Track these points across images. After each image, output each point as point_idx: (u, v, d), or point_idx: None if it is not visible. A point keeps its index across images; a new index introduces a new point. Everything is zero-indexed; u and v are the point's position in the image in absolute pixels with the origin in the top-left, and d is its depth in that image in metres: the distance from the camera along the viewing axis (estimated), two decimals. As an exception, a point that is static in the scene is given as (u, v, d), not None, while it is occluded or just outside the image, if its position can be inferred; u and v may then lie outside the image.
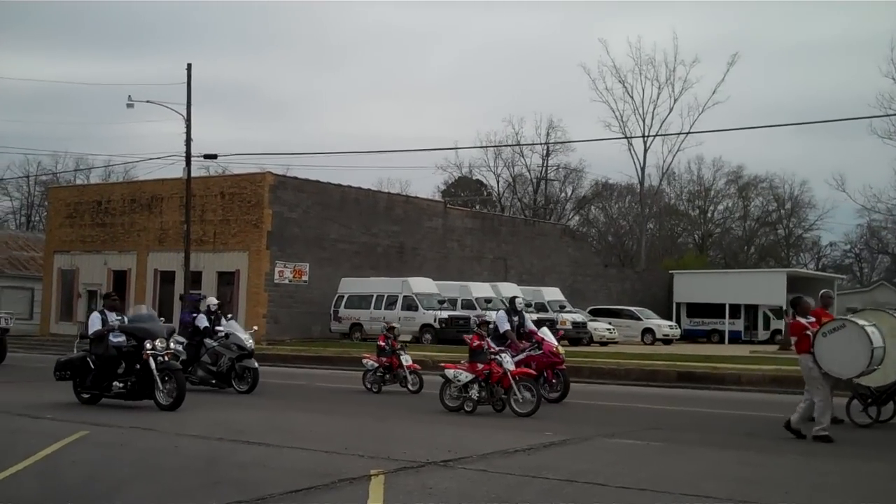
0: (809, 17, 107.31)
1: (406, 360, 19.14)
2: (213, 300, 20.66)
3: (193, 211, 37.68)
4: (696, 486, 8.98)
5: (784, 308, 50.84)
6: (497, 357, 15.00)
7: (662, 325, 47.43)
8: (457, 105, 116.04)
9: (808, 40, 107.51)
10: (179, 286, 38.20)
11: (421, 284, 39.48)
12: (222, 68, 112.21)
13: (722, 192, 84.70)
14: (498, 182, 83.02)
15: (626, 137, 65.67)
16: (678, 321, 52.21)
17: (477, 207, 65.72)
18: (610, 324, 44.41)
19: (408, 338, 36.26)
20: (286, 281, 39.65)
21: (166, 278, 41.49)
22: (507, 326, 17.70)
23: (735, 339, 50.76)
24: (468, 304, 39.46)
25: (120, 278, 43.12)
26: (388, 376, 19.38)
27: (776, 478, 9.69)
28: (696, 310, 53.77)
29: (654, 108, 67.07)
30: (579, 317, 42.06)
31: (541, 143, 76.00)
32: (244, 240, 39.68)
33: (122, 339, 15.35)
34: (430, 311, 37.60)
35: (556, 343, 17.82)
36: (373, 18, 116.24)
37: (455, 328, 36.06)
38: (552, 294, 44.19)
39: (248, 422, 13.71)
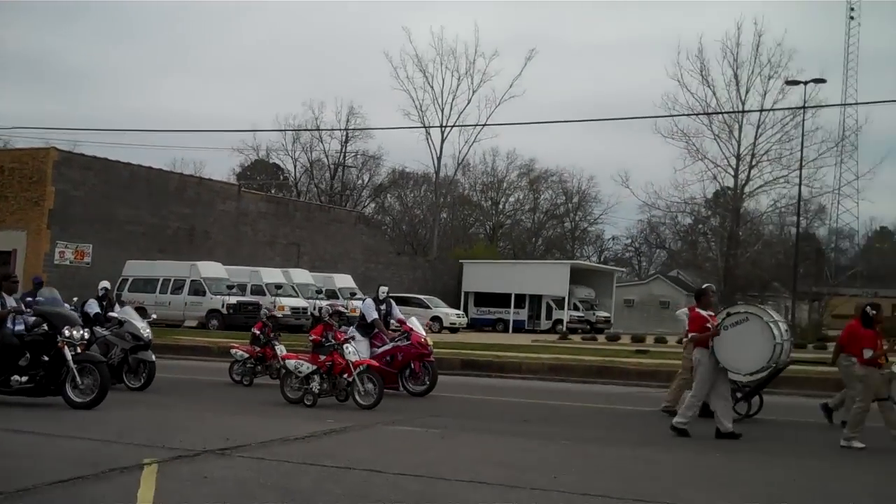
0: (604, 19, 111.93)
1: (281, 350, 17.58)
2: (105, 283, 18.92)
3: (-34, 186, 35.55)
4: (473, 471, 9.21)
5: (566, 298, 52.97)
6: (339, 347, 14.58)
7: (450, 314, 48.31)
8: (256, 86, 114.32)
9: (602, 41, 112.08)
10: (-52, 265, 35.88)
11: (210, 269, 38.66)
12: (8, 34, 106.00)
13: (514, 184, 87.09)
14: (295, 166, 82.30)
15: (424, 127, 66.45)
16: (466, 310, 53.36)
17: (272, 192, 64.95)
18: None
19: (193, 323, 35.56)
20: (67, 262, 37.98)
21: (-65, 256, 38.92)
22: (376, 315, 17.24)
23: (519, 328, 52.31)
24: (258, 290, 39.04)
25: None
26: (259, 367, 18.05)
27: (548, 463, 10.05)
28: (483, 299, 55.09)
29: (453, 99, 68.13)
30: (371, 304, 42.30)
31: (340, 129, 75.91)
32: (23, 217, 37.74)
33: (22, 326, 13.43)
34: (219, 297, 36.90)
35: (425, 334, 17.29)
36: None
37: (244, 314, 35.56)
38: (344, 281, 44.29)
39: (19, 409, 13.05)
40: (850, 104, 67.69)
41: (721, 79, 46.46)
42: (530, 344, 32.52)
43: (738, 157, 45.79)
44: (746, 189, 46.86)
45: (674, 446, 11.87)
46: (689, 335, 13.14)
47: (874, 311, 12.40)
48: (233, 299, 36.97)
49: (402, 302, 47.90)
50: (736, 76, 45.81)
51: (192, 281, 37.48)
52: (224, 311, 36.38)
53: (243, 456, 9.71)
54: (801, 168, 43.25)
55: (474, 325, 51.95)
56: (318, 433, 11.55)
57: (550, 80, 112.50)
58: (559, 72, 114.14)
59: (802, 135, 43.20)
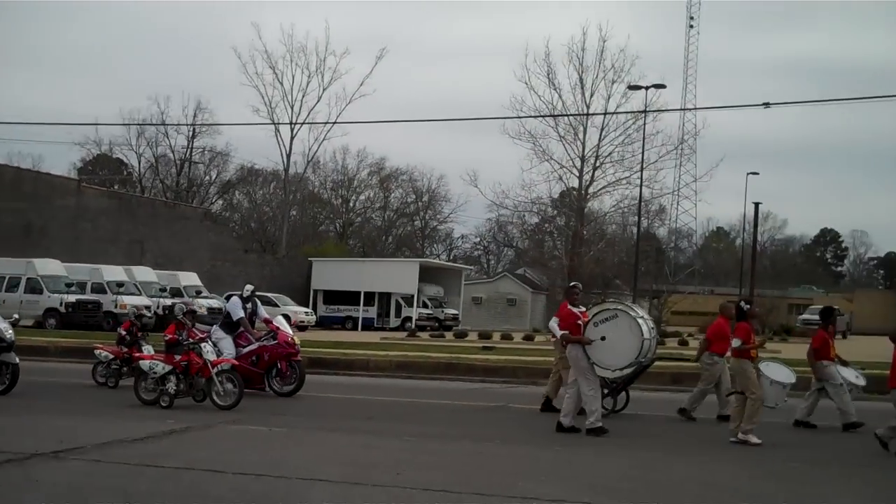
0: (456, 20, 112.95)
1: (149, 350, 16.73)
2: None
3: None
4: (316, 469, 9.21)
5: (415, 296, 53.26)
6: (196, 347, 14.13)
7: (298, 312, 47.79)
8: (99, 79, 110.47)
9: (454, 42, 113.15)
10: None
11: (47, 266, 37.26)
12: None
13: (364, 182, 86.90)
14: (140, 162, 79.91)
15: (273, 123, 65.54)
16: (315, 308, 53.02)
17: (115, 187, 62.98)
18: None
19: (30, 322, 34.16)
20: None
21: None
22: (242, 314, 16.75)
23: (368, 326, 52.26)
24: (99, 289, 37.83)
25: None
26: (125, 369, 17.06)
27: (391, 460, 10.10)
28: (332, 297, 54.80)
29: (303, 96, 67.40)
30: (215, 302, 41.51)
31: (186, 124, 74.06)
32: None
33: None
34: (57, 295, 35.60)
35: (292, 333, 16.92)
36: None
37: (83, 313, 34.40)
38: (189, 279, 43.36)
39: None
40: (690, 109, 70.55)
41: (567, 82, 47.32)
42: (379, 342, 32.56)
43: (583, 159, 46.84)
44: (591, 189, 47.97)
45: (516, 441, 12.11)
46: (561, 333, 13.22)
47: (748, 306, 13.00)
48: (72, 298, 35.75)
49: (249, 300, 47.65)
50: (581, 80, 46.81)
51: (28, 279, 36.07)
52: (62, 309, 35.16)
53: (78, 458, 9.43)
54: (642, 170, 44.67)
55: (323, 324, 51.61)
56: (159, 434, 11.30)
57: (402, 80, 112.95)
58: (410, 71, 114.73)
59: (644, 138, 44.61)
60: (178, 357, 14.32)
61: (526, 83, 46.54)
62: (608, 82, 46.49)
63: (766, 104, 21.34)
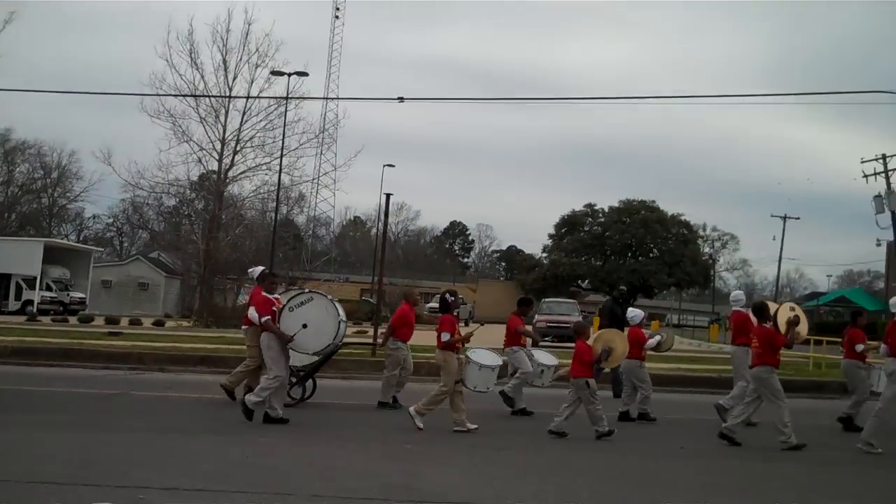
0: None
1: None
2: None
3: None
4: None
5: (38, 278, 50.03)
6: None
7: None
8: None
9: (91, 10, 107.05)
10: None
11: None
12: None
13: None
14: None
15: None
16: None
17: None
18: None
19: None
20: None
21: None
22: None
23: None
24: None
25: None
26: None
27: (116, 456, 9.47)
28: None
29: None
30: None
31: None
32: None
33: None
34: None
35: None
36: None
37: None
38: None
39: None
40: (332, 98, 71.75)
41: (210, 63, 46.52)
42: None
43: (224, 142, 46.29)
44: (231, 173, 47.53)
45: (130, 429, 11.69)
46: (264, 319, 12.72)
47: (453, 298, 13.12)
48: None
49: None
50: (225, 62, 46.23)
51: None
52: None
53: None
54: (282, 156, 44.89)
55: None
56: None
57: (33, 47, 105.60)
58: (43, 38, 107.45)
59: (284, 124, 44.88)
60: None
61: (167, 60, 45.23)
62: (252, 66, 46.31)
63: (401, 98, 22.05)
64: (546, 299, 41.16)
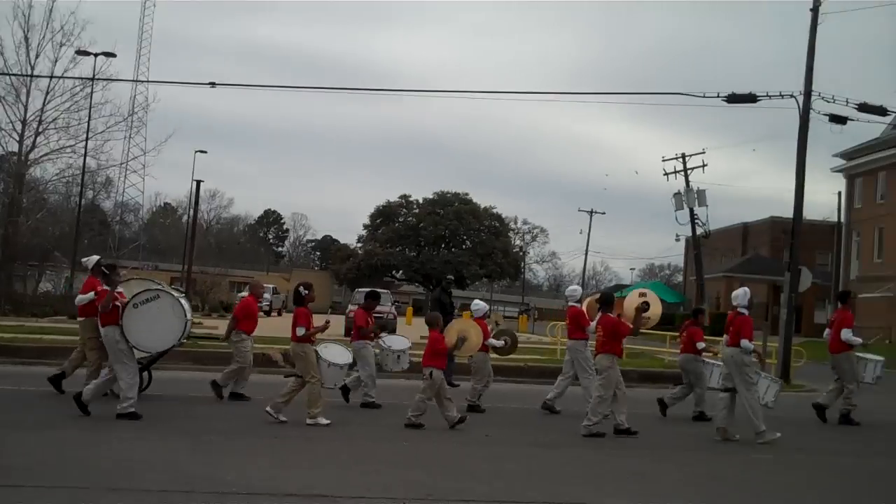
0: None
1: None
2: None
3: None
4: None
5: None
6: None
7: None
8: None
9: None
10: None
11: None
12: None
13: None
14: None
15: None
16: None
17: None
18: None
19: None
20: None
21: None
22: None
23: None
24: None
25: None
26: None
27: None
28: None
29: None
30: None
31: None
32: None
33: None
34: None
35: None
36: None
37: None
38: None
39: None
40: (141, 81, 69.54)
41: (11, 39, 44.45)
42: None
43: (25, 123, 44.19)
44: (32, 156, 45.45)
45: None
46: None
47: (307, 291, 12.86)
48: None
49: None
50: (27, 39, 44.15)
51: None
52: None
53: None
54: (87, 139, 43.32)
55: None
56: None
57: None
58: None
59: (90, 106, 43.30)
60: None
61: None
62: (56, 44, 44.37)
63: (213, 84, 21.81)
64: (359, 289, 41.48)
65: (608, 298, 13.87)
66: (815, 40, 27.01)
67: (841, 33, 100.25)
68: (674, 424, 14.71)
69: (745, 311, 13.42)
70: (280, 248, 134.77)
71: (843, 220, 60.48)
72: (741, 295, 13.61)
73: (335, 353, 13.38)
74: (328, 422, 12.21)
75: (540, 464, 10.46)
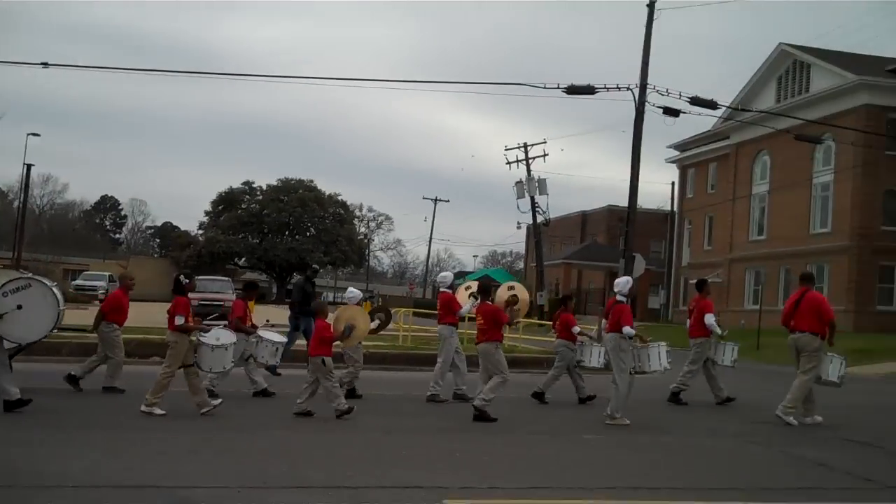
0: None
1: None
2: None
3: None
4: None
5: None
6: None
7: None
8: None
9: None
10: None
11: None
12: None
13: None
14: None
15: None
16: None
17: None
18: None
19: None
20: None
21: None
22: None
23: None
24: None
25: None
26: None
27: None
28: None
29: None
30: None
31: None
32: None
33: None
34: None
35: None
36: None
37: None
38: None
39: None
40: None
41: None
42: None
43: None
44: None
45: None
46: None
47: (188, 281, 12.62)
48: None
49: None
50: None
51: None
52: None
53: None
54: None
55: None
56: None
57: None
58: None
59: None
60: None
61: None
62: None
63: (45, 64, 21.01)
64: (199, 277, 40.54)
65: (486, 288, 14.12)
66: (651, 35, 27.97)
67: (676, 30, 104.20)
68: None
69: (624, 300, 13.89)
70: (118, 235, 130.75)
71: (675, 208, 62.97)
72: (622, 283, 14.22)
73: (219, 335, 13.06)
74: (163, 412, 11.93)
75: (380, 449, 10.48)
